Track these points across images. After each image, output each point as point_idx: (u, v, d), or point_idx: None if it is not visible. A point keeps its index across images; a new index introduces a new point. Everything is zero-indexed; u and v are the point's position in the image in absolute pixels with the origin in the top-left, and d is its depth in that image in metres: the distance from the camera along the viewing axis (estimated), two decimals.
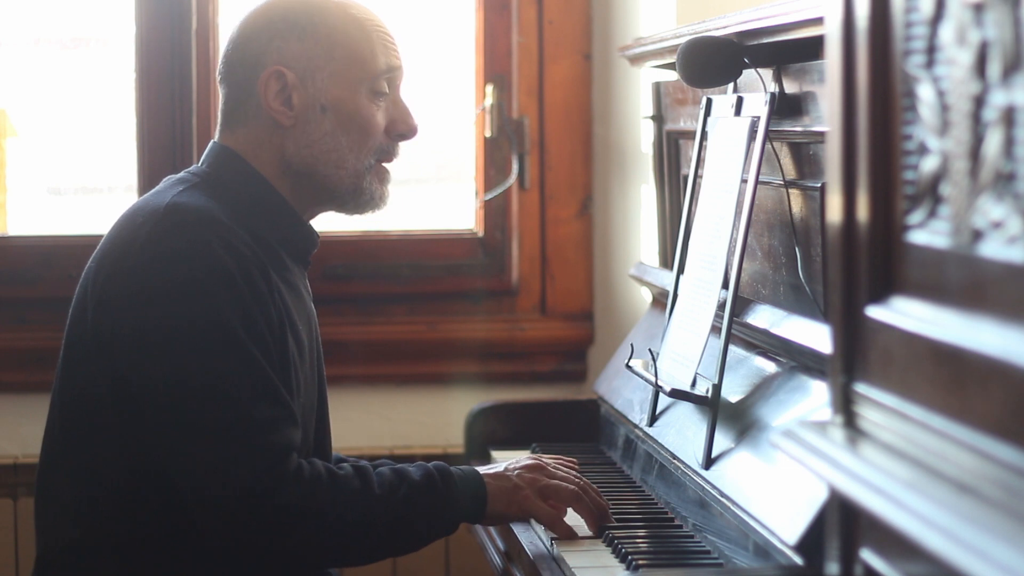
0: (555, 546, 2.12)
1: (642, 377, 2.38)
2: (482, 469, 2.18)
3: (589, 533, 2.15)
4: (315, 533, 2.04)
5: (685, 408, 2.28)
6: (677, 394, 2.18)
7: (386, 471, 2.11)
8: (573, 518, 2.17)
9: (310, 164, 2.19)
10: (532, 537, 2.19)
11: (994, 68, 1.08)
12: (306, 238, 2.24)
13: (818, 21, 1.83)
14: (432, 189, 3.64)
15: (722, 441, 2.10)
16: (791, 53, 2.09)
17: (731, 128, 2.22)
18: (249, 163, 2.19)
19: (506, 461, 2.23)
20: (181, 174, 2.23)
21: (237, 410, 2.01)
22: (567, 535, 2.14)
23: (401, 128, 2.24)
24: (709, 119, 2.34)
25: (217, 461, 2.01)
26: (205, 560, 2.10)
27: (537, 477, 2.17)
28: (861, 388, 1.32)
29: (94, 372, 2.09)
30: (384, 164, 2.24)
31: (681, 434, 2.26)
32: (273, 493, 2.01)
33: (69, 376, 2.13)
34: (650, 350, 2.37)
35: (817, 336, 1.95)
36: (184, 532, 2.08)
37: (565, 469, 2.23)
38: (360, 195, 2.22)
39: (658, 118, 2.82)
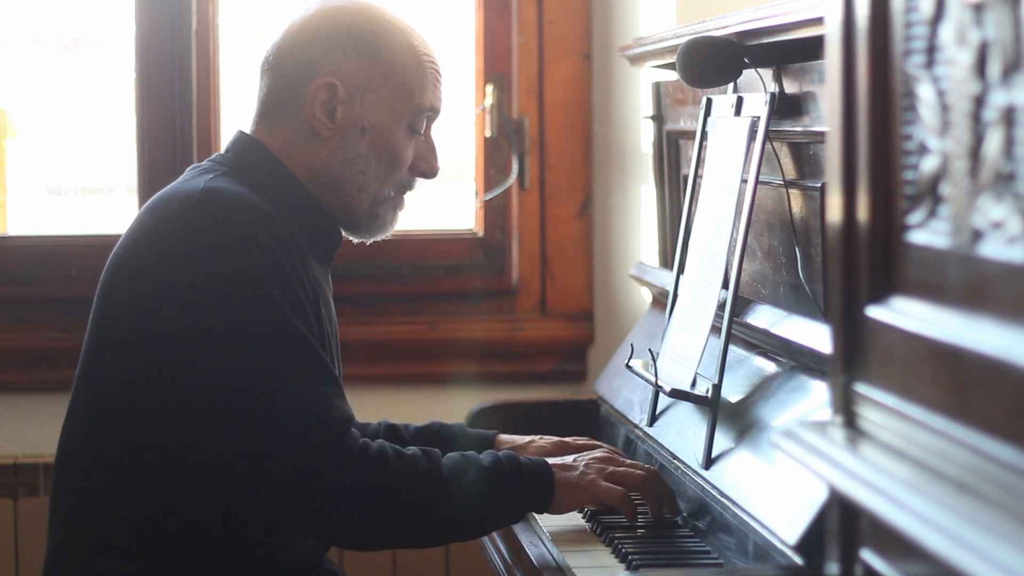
0: (555, 546, 2.12)
1: (642, 377, 2.37)
2: (551, 460, 2.18)
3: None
4: (381, 512, 2.03)
5: (685, 408, 2.28)
6: (677, 394, 2.18)
7: (455, 455, 2.10)
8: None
9: (336, 179, 2.21)
10: (532, 538, 2.19)
11: (994, 68, 1.08)
12: (332, 235, 2.26)
13: (818, 21, 1.83)
14: (432, 189, 3.62)
15: (722, 441, 2.10)
16: (791, 53, 2.08)
17: (731, 128, 2.22)
18: (278, 159, 2.19)
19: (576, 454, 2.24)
20: (205, 163, 2.23)
21: (298, 395, 2.01)
22: (633, 514, 2.15)
23: (424, 167, 2.29)
24: (709, 119, 2.34)
25: (283, 450, 1.99)
26: (227, 549, 2.09)
27: (604, 466, 2.19)
28: (861, 388, 1.32)
29: (130, 366, 2.06)
30: (402, 196, 2.28)
31: (681, 434, 2.26)
32: (340, 469, 2.00)
33: (98, 369, 2.10)
34: (650, 350, 2.37)
35: (817, 336, 1.95)
36: (206, 523, 2.07)
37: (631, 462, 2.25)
38: (374, 220, 2.26)
39: (658, 118, 2.81)
